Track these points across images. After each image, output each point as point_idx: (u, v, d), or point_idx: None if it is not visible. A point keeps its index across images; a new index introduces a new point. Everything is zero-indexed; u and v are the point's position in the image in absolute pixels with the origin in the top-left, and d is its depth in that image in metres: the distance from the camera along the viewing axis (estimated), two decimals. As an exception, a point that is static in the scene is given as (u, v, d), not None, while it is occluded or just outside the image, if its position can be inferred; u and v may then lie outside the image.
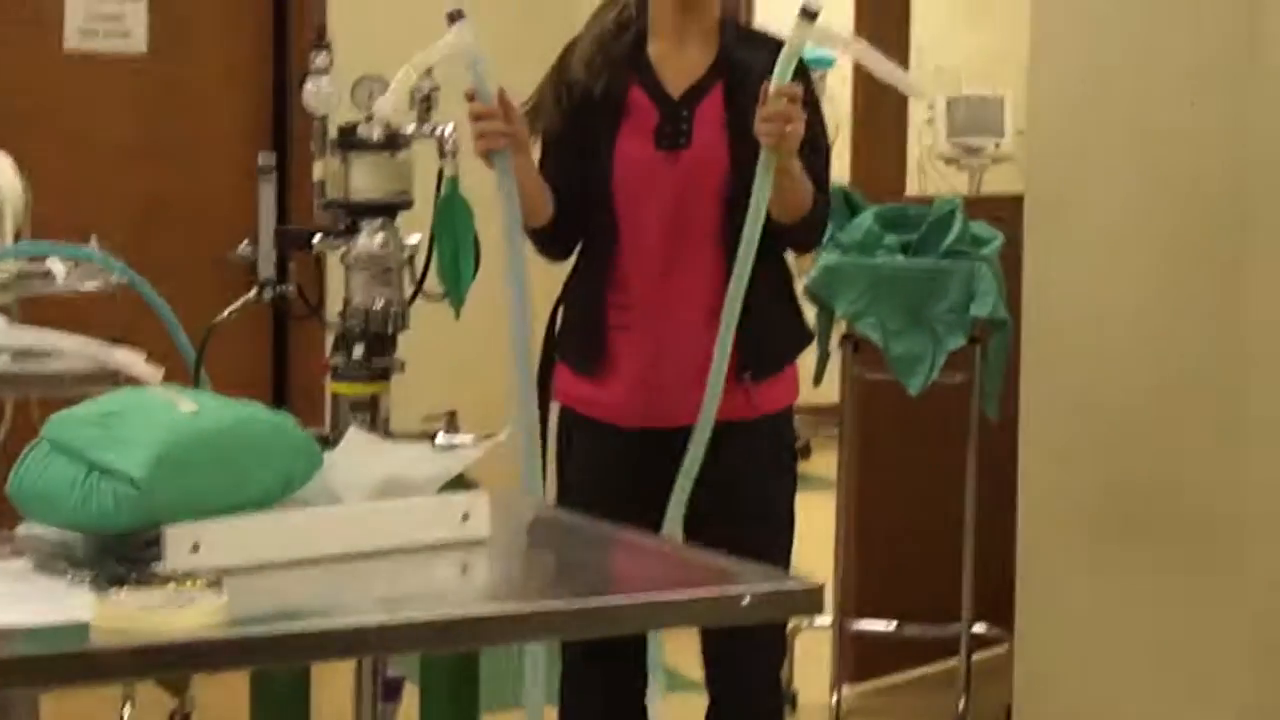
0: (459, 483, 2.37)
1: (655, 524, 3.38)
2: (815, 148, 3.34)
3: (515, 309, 3.19)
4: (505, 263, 3.23)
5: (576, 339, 3.50)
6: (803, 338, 3.59)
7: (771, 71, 3.17)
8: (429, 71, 3.52)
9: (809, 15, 3.07)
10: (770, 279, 3.42)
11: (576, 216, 3.45)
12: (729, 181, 3.34)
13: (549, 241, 3.48)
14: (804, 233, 3.44)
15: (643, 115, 3.41)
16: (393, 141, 3.50)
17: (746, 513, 3.41)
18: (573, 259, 3.56)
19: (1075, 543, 4.30)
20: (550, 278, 3.67)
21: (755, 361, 3.38)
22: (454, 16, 3.09)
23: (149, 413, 2.07)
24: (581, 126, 3.43)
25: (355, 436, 2.29)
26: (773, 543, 3.38)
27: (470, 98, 3.20)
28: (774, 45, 3.29)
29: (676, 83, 3.42)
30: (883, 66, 3.09)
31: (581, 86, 3.43)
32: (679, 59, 3.43)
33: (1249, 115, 3.92)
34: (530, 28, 5.72)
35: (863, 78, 4.90)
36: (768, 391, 3.44)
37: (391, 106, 3.20)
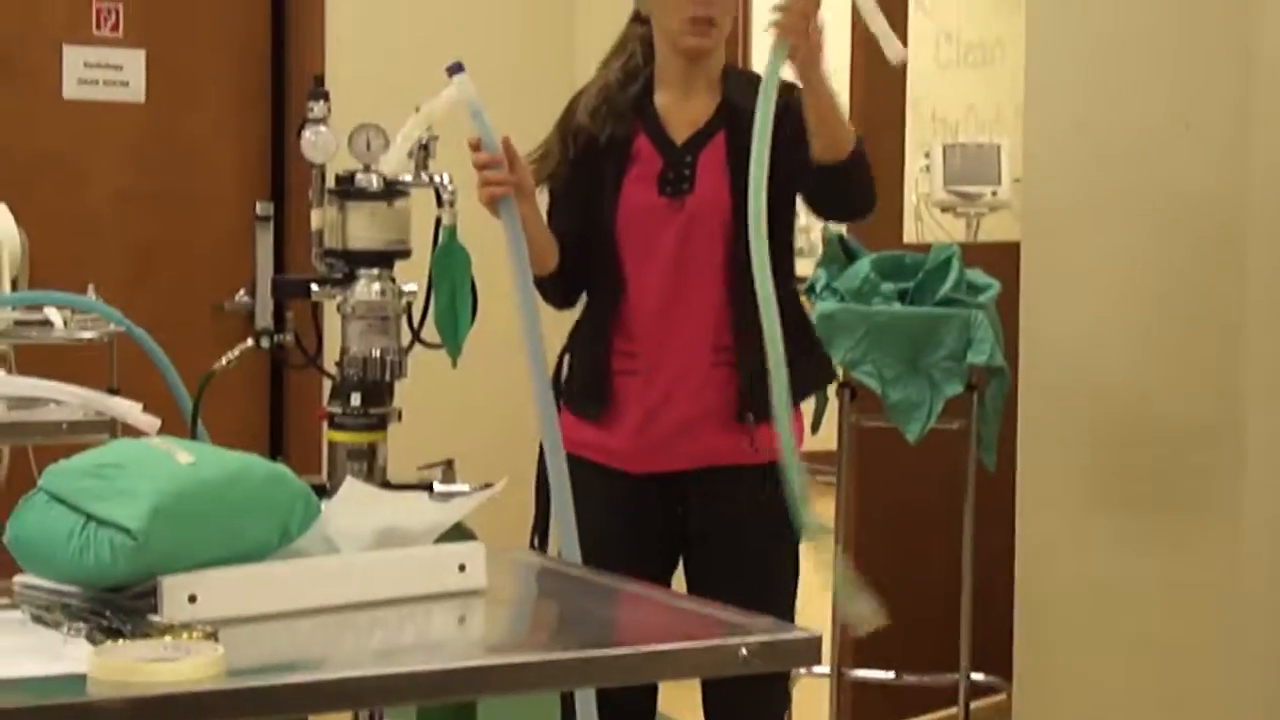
0: (457, 532, 2.36)
1: (661, 568, 3.38)
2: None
3: (532, 358, 3.14)
4: (518, 311, 3.21)
5: (581, 385, 3.51)
6: (811, 380, 3.56)
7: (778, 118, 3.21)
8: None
9: None
10: (787, 312, 3.40)
11: (582, 265, 3.46)
12: (732, 226, 3.33)
13: (554, 290, 3.49)
14: (851, 178, 3.26)
15: (647, 162, 3.43)
16: (390, 190, 3.51)
17: (748, 567, 3.39)
18: (578, 308, 3.57)
19: (1073, 590, 4.29)
20: (556, 328, 3.68)
21: (757, 406, 3.36)
22: (453, 70, 3.10)
23: (146, 464, 2.07)
24: (587, 174, 3.45)
25: (352, 486, 2.29)
26: (775, 597, 3.37)
27: (475, 147, 3.20)
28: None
29: (680, 130, 3.45)
30: (879, 24, 3.00)
31: (586, 134, 3.45)
32: (684, 108, 3.45)
33: (1246, 157, 3.93)
34: (530, 75, 5.75)
35: (858, 125, 4.91)
36: (770, 435, 3.42)
37: (396, 162, 3.21)
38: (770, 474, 3.44)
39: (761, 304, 2.92)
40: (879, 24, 2.98)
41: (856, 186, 3.32)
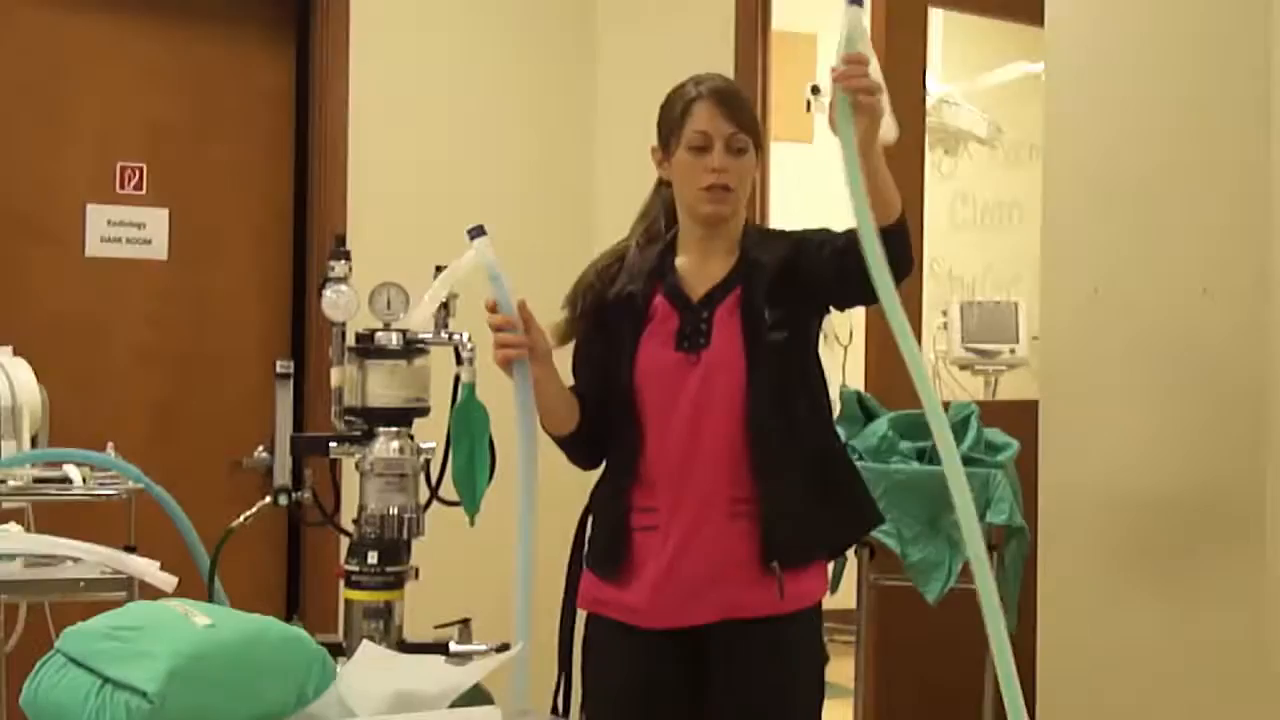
0: (474, 694, 2.35)
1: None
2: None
3: (523, 520, 3.20)
4: (519, 468, 3.24)
5: (601, 544, 3.51)
6: (844, 534, 3.61)
7: (785, 259, 3.34)
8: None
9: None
10: (797, 464, 3.43)
11: (604, 424, 3.48)
12: (746, 378, 3.38)
13: (577, 449, 3.52)
14: (900, 238, 3.22)
15: (663, 320, 3.46)
16: (410, 349, 3.53)
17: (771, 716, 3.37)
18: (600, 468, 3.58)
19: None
20: (579, 485, 3.68)
21: (782, 551, 3.37)
22: (474, 233, 3.16)
23: (163, 626, 2.07)
24: (603, 335, 3.48)
25: (368, 649, 2.27)
26: None
27: (491, 309, 3.25)
28: (790, 238, 3.44)
29: (698, 289, 3.48)
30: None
31: (594, 293, 3.49)
32: (703, 269, 3.50)
33: (1266, 321, 3.93)
34: (548, 235, 5.79)
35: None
36: (795, 584, 3.42)
37: (422, 319, 3.26)
38: (796, 630, 3.43)
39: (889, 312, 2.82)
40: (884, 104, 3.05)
41: (900, 250, 3.21)
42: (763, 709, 3.38)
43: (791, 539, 3.40)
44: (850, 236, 3.22)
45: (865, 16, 2.91)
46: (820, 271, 3.38)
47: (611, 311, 3.49)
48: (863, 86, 2.86)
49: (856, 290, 3.34)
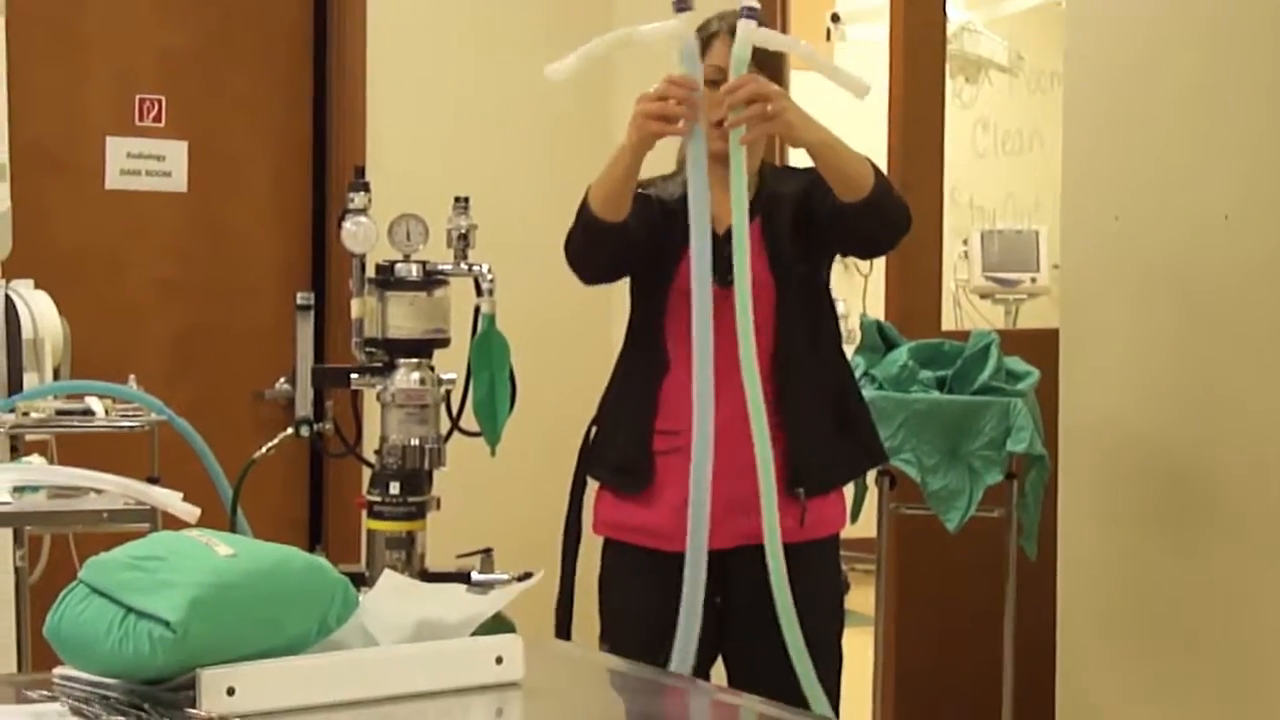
0: (495, 623, 2.36)
1: (704, 647, 3.37)
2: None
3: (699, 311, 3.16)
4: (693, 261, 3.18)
5: (622, 461, 3.52)
6: (861, 462, 3.68)
7: (803, 192, 3.39)
8: (465, 208, 3.56)
9: (750, 14, 3.10)
10: (821, 388, 3.45)
11: (632, 251, 3.47)
12: (777, 308, 3.44)
13: (609, 240, 3.45)
14: (880, 208, 3.36)
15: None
16: (430, 280, 3.53)
17: (787, 649, 3.39)
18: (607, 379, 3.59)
19: (1115, 680, 4.26)
20: (585, 395, 3.69)
21: (806, 477, 3.41)
22: (681, 7, 3.09)
23: (186, 556, 2.07)
24: (657, 227, 3.46)
25: (390, 578, 2.28)
26: (823, 682, 3.36)
27: (679, 85, 3.19)
28: (805, 174, 3.47)
29: (722, 222, 3.47)
30: (827, 67, 3.13)
31: (663, 206, 3.49)
32: (726, 202, 3.47)
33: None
34: (567, 164, 5.79)
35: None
36: (818, 512, 3.45)
37: (568, 69, 3.22)
38: (817, 557, 3.45)
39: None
40: (829, 69, 3.09)
41: (888, 214, 3.41)
42: (782, 634, 3.39)
43: (815, 466, 3.45)
44: (840, 204, 3.30)
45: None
46: (825, 217, 3.41)
47: (659, 215, 3.48)
48: (769, 114, 3.14)
49: (849, 248, 3.45)
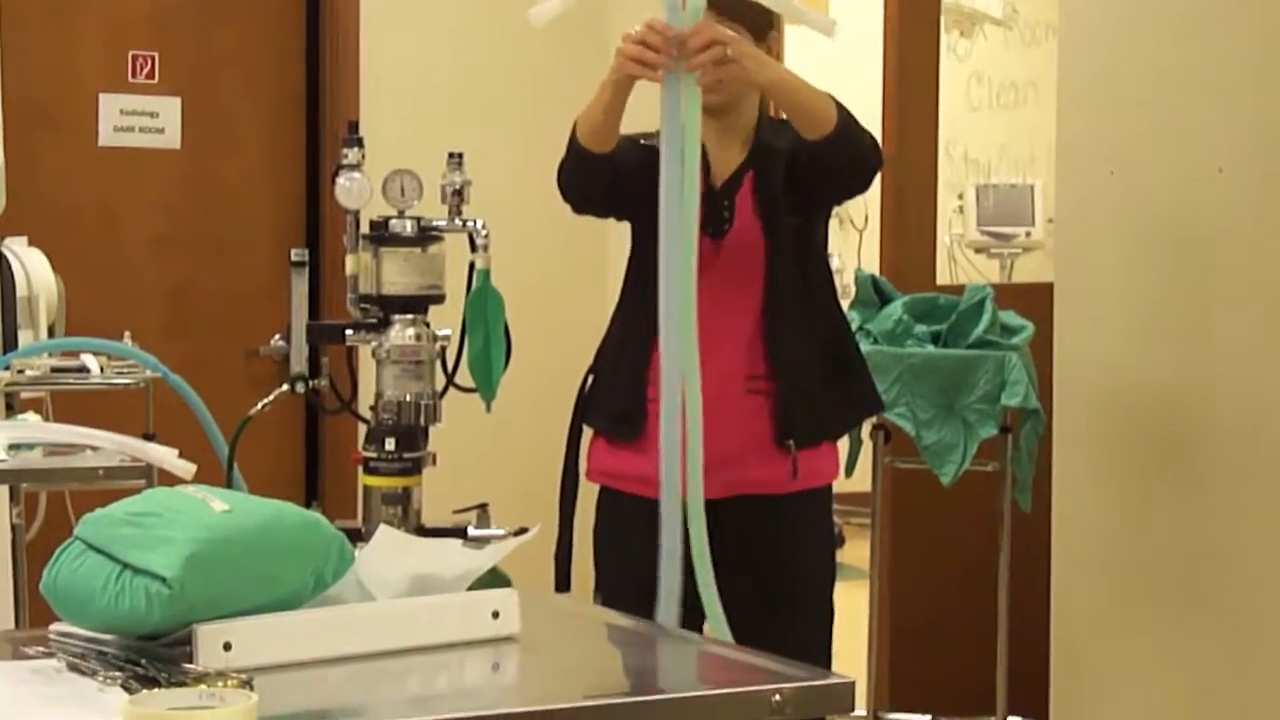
0: (491, 578, 2.37)
1: (693, 603, 3.37)
2: None
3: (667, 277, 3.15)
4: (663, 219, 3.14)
5: (617, 409, 3.53)
6: (854, 414, 3.69)
7: (794, 146, 3.37)
8: (460, 163, 3.56)
9: None
10: (814, 344, 3.46)
11: (624, 189, 3.47)
12: (767, 258, 3.45)
13: (593, 167, 3.45)
14: (847, 144, 3.36)
15: None
16: (424, 235, 3.53)
17: (786, 603, 3.40)
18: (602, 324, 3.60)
19: (1110, 632, 4.27)
20: (580, 351, 3.69)
21: (797, 430, 3.41)
22: None
23: (182, 512, 2.08)
24: (645, 172, 3.45)
25: (386, 533, 2.29)
26: (813, 634, 3.38)
27: (658, 31, 3.16)
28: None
29: (718, 175, 3.50)
30: (791, 9, 3.14)
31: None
32: (722, 156, 3.51)
33: (1278, 200, 3.92)
34: (562, 122, 5.77)
35: (891, 167, 4.91)
36: (809, 464, 3.46)
37: (553, 13, 3.23)
38: (809, 508, 3.46)
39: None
40: (800, 12, 3.09)
41: (853, 147, 3.40)
42: (774, 583, 3.41)
43: (806, 418, 3.46)
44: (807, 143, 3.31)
45: None
46: (803, 163, 3.43)
47: (651, 160, 3.47)
48: (699, 65, 3.12)
49: (826, 190, 3.44)
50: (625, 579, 3.49)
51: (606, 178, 3.47)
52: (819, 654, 3.44)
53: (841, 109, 3.37)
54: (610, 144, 3.42)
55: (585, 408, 3.63)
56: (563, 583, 3.60)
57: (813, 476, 3.49)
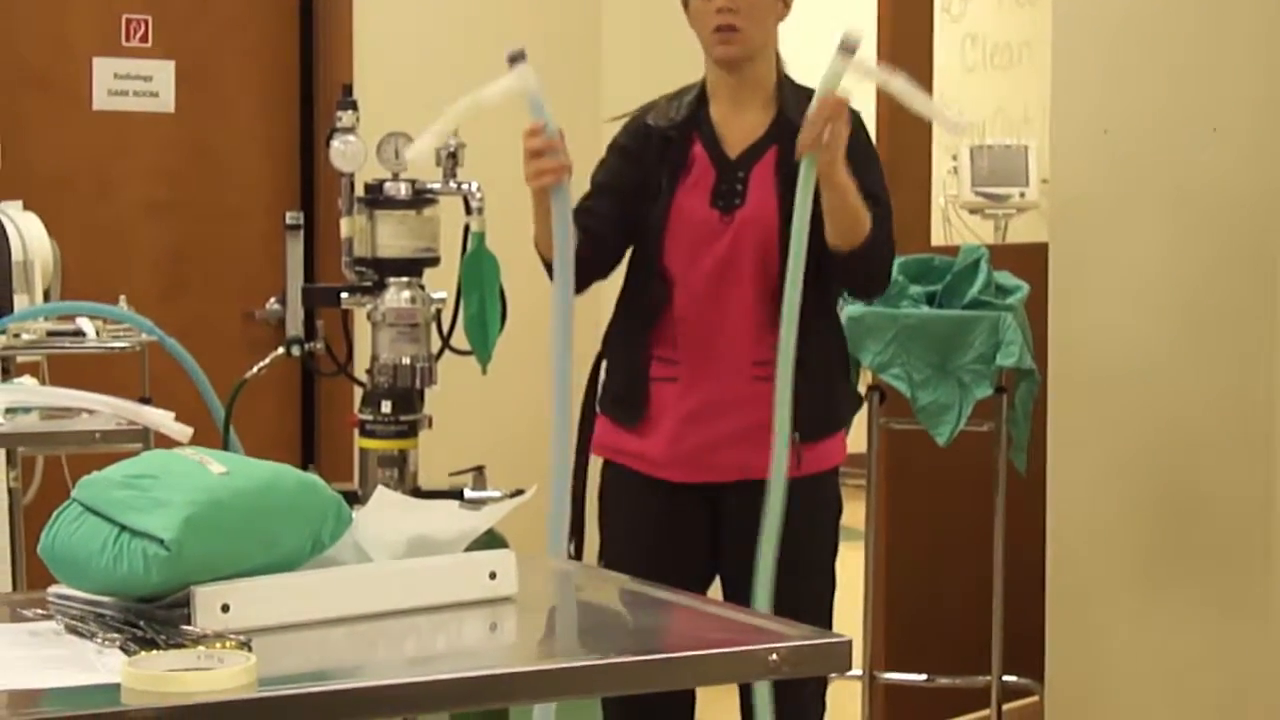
0: (488, 539, 2.38)
1: (697, 576, 3.38)
2: (871, 195, 3.31)
3: (558, 346, 3.17)
4: (552, 300, 3.20)
5: (619, 390, 3.52)
6: (855, 404, 3.58)
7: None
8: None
9: (848, 49, 3.03)
10: (827, 339, 3.43)
11: (606, 252, 3.47)
12: (779, 241, 3.32)
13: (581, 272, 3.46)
14: (864, 264, 3.35)
15: (702, 173, 3.43)
16: (419, 198, 3.53)
17: (784, 580, 3.37)
18: (612, 307, 3.58)
19: (1105, 591, 4.29)
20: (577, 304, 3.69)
21: (807, 423, 3.35)
22: (515, 58, 3.08)
23: (179, 474, 2.08)
24: (640, 169, 3.45)
25: (383, 495, 2.30)
26: (810, 598, 3.38)
27: (533, 132, 3.19)
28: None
29: (735, 144, 3.44)
30: (924, 104, 3.09)
31: (645, 131, 3.46)
32: (739, 121, 3.45)
33: (1273, 158, 3.92)
34: (558, 80, 5.76)
35: (885, 128, 4.91)
36: (814, 452, 3.43)
37: (424, 149, 3.21)
38: (809, 488, 3.42)
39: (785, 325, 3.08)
40: (928, 107, 3.08)
41: (862, 274, 3.41)
42: (778, 561, 3.38)
43: (813, 411, 3.36)
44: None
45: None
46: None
47: (650, 150, 3.46)
48: (812, 143, 3.11)
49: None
50: (625, 549, 3.50)
51: (600, 255, 3.44)
52: (818, 621, 3.44)
53: (877, 235, 3.32)
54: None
55: (595, 389, 3.60)
56: (576, 554, 3.60)
57: (817, 462, 3.46)
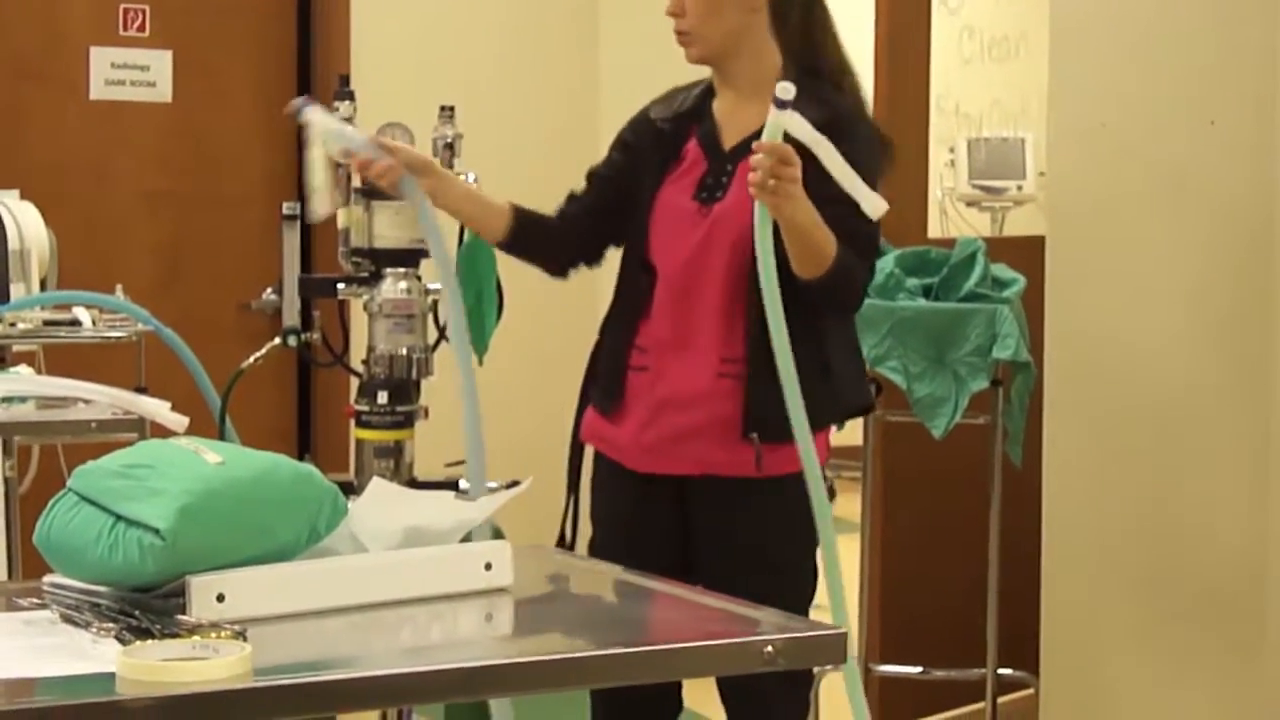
0: (484, 529, 2.38)
1: (670, 566, 3.36)
2: (835, 199, 3.11)
3: (457, 343, 3.22)
4: (444, 295, 3.26)
5: (602, 379, 3.51)
6: (828, 411, 3.37)
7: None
8: (451, 117, 3.56)
9: (780, 105, 2.97)
10: (810, 336, 3.31)
11: (584, 240, 3.49)
12: (749, 238, 3.20)
13: (518, 254, 3.50)
14: (828, 291, 3.26)
15: (691, 165, 3.42)
16: (416, 189, 3.53)
17: (748, 567, 3.34)
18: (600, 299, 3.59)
19: (1100, 584, 4.29)
20: (572, 305, 3.69)
21: (762, 425, 3.30)
22: (301, 106, 3.25)
23: (175, 464, 2.08)
24: (632, 157, 3.45)
25: (379, 485, 2.30)
26: (779, 596, 3.34)
27: (362, 165, 3.25)
28: (832, 109, 3.29)
29: (731, 136, 3.42)
30: (849, 180, 3.05)
31: (648, 125, 3.46)
32: (738, 114, 3.40)
33: (1271, 153, 3.92)
34: (553, 72, 5.76)
35: (882, 119, 4.91)
36: (774, 455, 3.32)
37: (329, 209, 3.30)
38: (774, 490, 3.36)
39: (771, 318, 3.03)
40: (848, 180, 3.02)
41: (828, 299, 3.31)
42: (743, 558, 3.36)
43: (774, 414, 3.18)
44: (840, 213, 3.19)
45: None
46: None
47: (646, 141, 3.46)
48: (762, 187, 3.02)
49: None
50: (606, 535, 3.50)
51: (539, 244, 3.47)
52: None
53: (841, 262, 3.23)
54: (497, 232, 3.42)
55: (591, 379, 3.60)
56: (570, 543, 3.60)
57: (778, 465, 3.32)
